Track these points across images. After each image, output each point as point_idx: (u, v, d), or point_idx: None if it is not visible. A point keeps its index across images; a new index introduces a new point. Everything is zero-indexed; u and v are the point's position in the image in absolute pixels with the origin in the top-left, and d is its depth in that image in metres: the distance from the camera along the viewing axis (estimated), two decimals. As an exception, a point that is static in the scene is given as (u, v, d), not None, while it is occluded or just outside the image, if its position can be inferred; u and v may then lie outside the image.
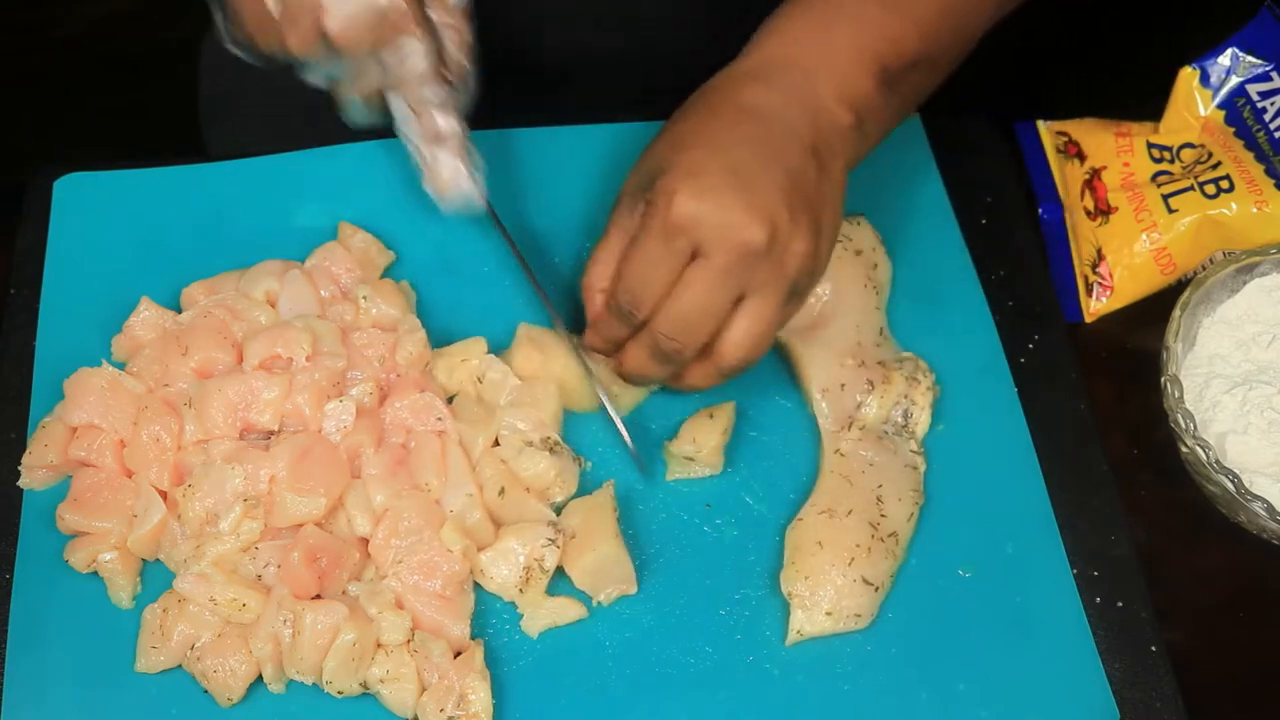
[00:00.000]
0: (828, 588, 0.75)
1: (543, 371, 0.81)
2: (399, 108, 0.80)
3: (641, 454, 0.80)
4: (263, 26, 0.76)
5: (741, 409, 0.83)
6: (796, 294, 0.75)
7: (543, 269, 0.86)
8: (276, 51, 0.78)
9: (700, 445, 0.80)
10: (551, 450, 0.78)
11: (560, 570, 0.76)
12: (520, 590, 0.75)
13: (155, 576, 0.76)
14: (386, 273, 0.87)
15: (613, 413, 0.80)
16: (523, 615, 0.75)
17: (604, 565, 0.75)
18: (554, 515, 0.77)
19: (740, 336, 0.74)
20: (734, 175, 0.72)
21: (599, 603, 0.76)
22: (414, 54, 0.77)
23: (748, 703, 0.73)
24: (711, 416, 0.81)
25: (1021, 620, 0.76)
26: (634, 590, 0.76)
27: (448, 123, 0.80)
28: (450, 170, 0.81)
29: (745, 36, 0.80)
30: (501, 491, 0.76)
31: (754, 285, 0.73)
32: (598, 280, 0.79)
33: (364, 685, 0.72)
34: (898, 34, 0.78)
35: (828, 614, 0.75)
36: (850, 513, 0.77)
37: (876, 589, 0.76)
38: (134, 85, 0.85)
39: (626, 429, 0.79)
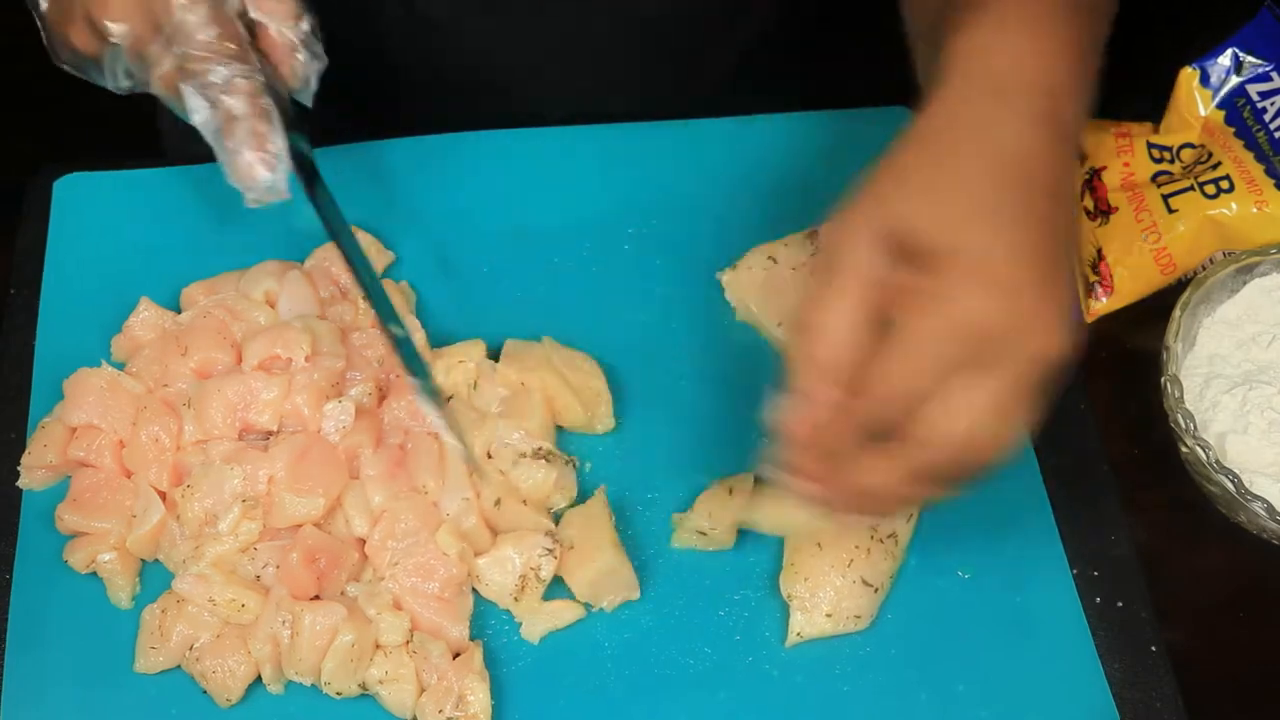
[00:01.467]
0: (827, 589, 0.75)
1: (521, 388, 0.80)
2: (190, 97, 0.73)
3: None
4: (53, 33, 0.75)
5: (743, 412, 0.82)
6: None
7: (544, 270, 0.86)
8: (73, 58, 0.75)
9: (716, 522, 0.77)
10: (547, 459, 0.77)
11: (560, 578, 0.76)
12: (515, 599, 0.75)
13: (154, 577, 0.76)
14: (386, 273, 0.87)
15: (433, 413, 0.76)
16: (521, 623, 0.75)
17: (605, 575, 0.75)
18: (552, 525, 0.77)
19: (1010, 440, 0.61)
20: (1036, 269, 0.60)
21: (602, 609, 0.76)
22: (190, 26, 0.71)
23: (747, 704, 0.73)
24: (730, 492, 0.77)
25: (1021, 621, 0.76)
26: (637, 596, 0.76)
27: (235, 104, 0.72)
28: (246, 158, 0.73)
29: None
30: (498, 502, 0.76)
31: (1035, 392, 0.61)
32: (827, 352, 0.61)
33: (363, 686, 0.72)
34: (1091, 28, 0.68)
35: (827, 615, 0.75)
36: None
37: (876, 590, 0.76)
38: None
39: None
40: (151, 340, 0.82)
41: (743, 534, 0.78)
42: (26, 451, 0.79)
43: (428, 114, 0.85)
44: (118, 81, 0.76)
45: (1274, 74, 0.90)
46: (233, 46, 0.73)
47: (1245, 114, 0.90)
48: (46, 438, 0.78)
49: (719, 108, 0.96)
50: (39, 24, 0.77)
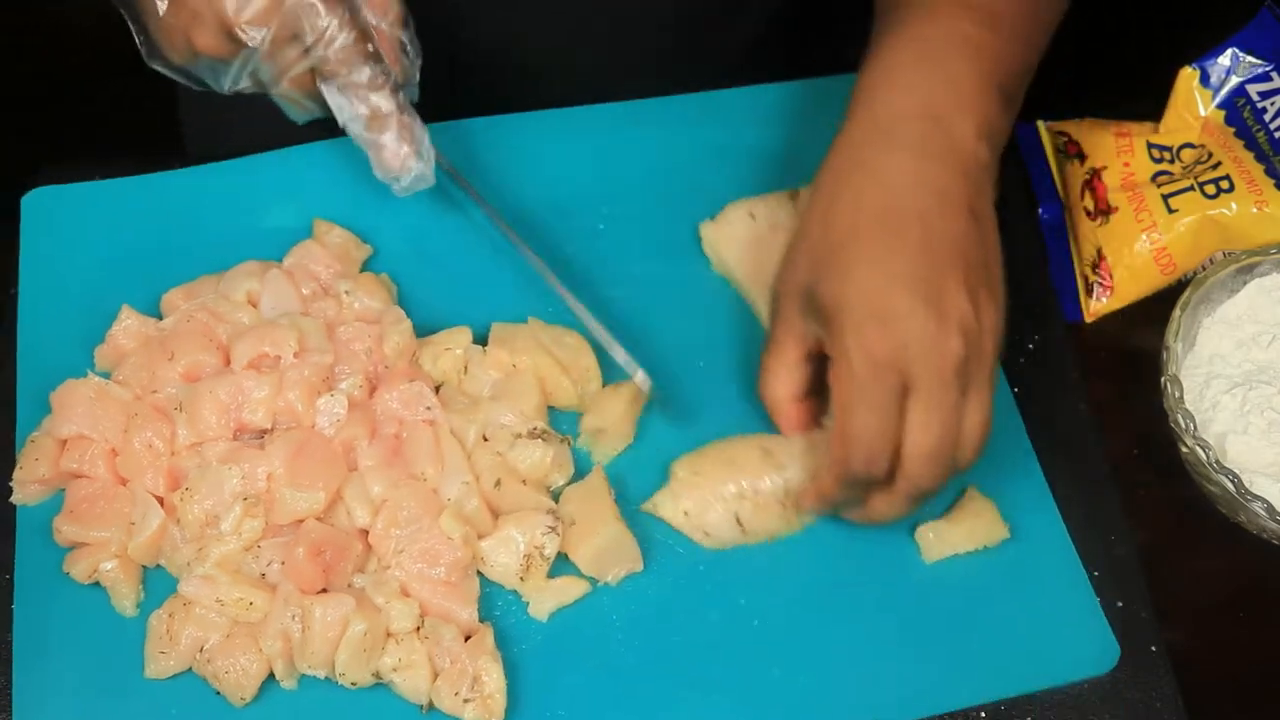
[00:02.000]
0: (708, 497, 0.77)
1: (513, 370, 0.80)
2: (332, 96, 0.78)
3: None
4: (170, 36, 0.75)
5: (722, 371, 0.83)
6: (997, 360, 0.72)
7: (546, 252, 0.86)
8: (190, 59, 0.76)
9: (607, 415, 0.79)
10: (542, 439, 0.78)
11: (564, 555, 0.76)
12: (521, 578, 0.75)
13: (157, 582, 0.75)
14: (365, 266, 0.86)
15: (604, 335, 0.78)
16: (529, 602, 0.75)
17: (608, 548, 0.75)
18: (553, 503, 0.77)
19: (975, 437, 0.71)
20: (917, 292, 0.69)
21: (608, 583, 0.76)
22: (332, 33, 0.75)
23: (752, 672, 0.74)
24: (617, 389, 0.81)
25: (1025, 578, 0.77)
26: (640, 568, 0.76)
27: (382, 101, 0.78)
28: (393, 152, 0.79)
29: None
30: (498, 484, 0.76)
31: (967, 384, 0.70)
32: (785, 393, 0.76)
33: (376, 675, 0.72)
34: (1005, 51, 0.75)
35: (685, 513, 0.77)
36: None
37: (744, 532, 0.77)
38: (134, 85, 0.84)
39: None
40: (136, 348, 0.81)
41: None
42: (18, 467, 0.78)
43: (443, 99, 0.86)
44: (236, 84, 0.78)
45: (1274, 74, 0.90)
46: (370, 49, 0.77)
47: (1245, 114, 0.90)
48: (37, 451, 0.78)
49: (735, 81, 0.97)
50: (134, 25, 0.78)
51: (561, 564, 0.76)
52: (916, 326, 0.69)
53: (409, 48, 0.79)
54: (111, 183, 0.90)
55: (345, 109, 0.78)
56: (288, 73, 0.77)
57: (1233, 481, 0.78)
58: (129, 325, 0.82)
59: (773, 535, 0.78)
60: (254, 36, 0.75)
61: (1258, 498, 0.77)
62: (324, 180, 0.90)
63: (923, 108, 0.73)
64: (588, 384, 0.81)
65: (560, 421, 0.81)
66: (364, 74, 0.77)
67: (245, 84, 0.78)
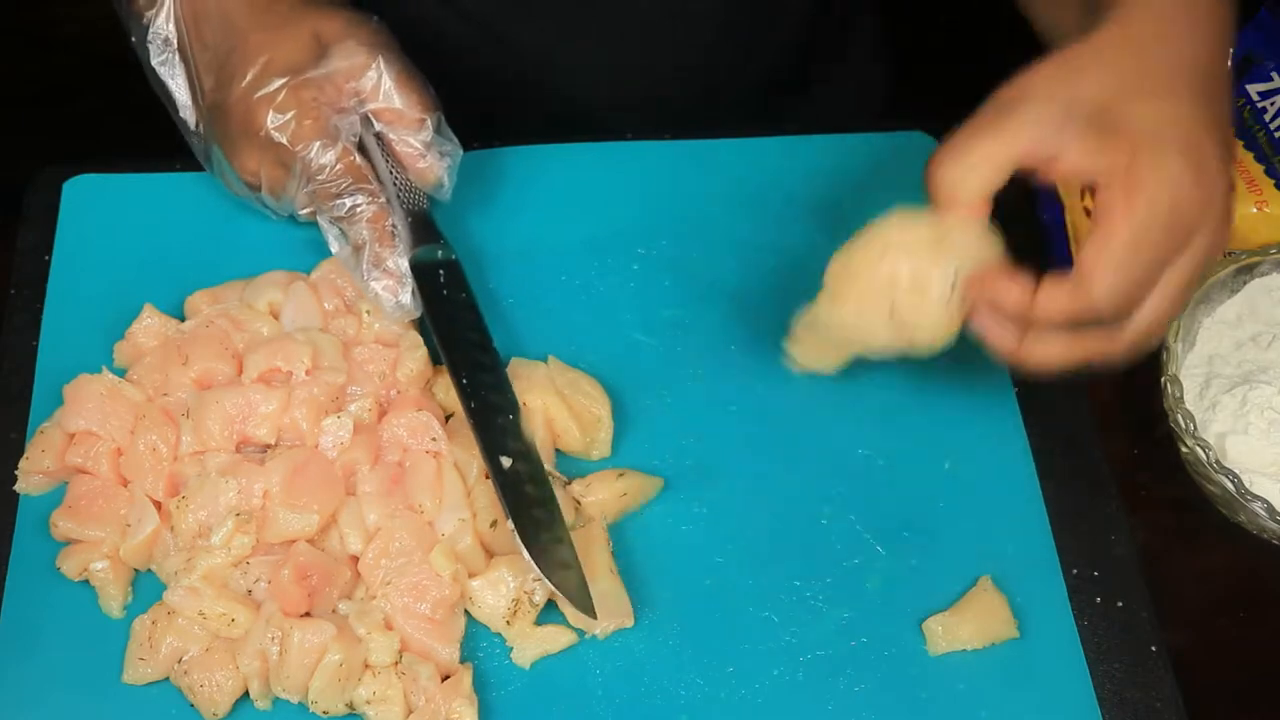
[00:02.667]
0: None
1: (522, 408, 0.79)
2: (326, 229, 0.81)
3: None
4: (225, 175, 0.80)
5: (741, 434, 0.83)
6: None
7: (550, 288, 0.86)
8: (244, 193, 0.81)
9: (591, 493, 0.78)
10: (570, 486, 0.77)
11: (554, 603, 0.75)
12: (507, 622, 0.74)
13: (147, 587, 0.76)
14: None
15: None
16: (512, 648, 0.74)
17: (599, 601, 0.74)
18: None
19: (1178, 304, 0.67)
20: (1223, 158, 0.65)
21: (595, 635, 0.75)
22: (312, 162, 0.77)
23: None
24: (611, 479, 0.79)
25: (1018, 621, 0.76)
26: (631, 623, 0.75)
27: (359, 231, 0.79)
28: (384, 285, 0.80)
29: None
30: (493, 524, 0.76)
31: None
32: (977, 186, 0.65)
33: (350, 706, 0.72)
34: None
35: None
36: None
37: None
38: (134, 85, 0.85)
39: None
40: (153, 348, 0.81)
41: (740, 564, 0.78)
42: (24, 456, 0.79)
43: (475, 119, 0.86)
44: (286, 214, 0.82)
45: (1274, 74, 0.90)
46: (348, 177, 0.78)
47: (1245, 114, 0.90)
48: (44, 443, 0.78)
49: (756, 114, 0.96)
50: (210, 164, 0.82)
51: (550, 611, 0.76)
52: (1221, 191, 0.65)
53: (431, 151, 0.80)
54: (153, 177, 0.91)
55: (335, 240, 0.81)
56: (297, 207, 0.80)
57: (1233, 481, 0.78)
58: (149, 324, 0.82)
59: (932, 338, 0.70)
60: (251, 183, 0.80)
61: (1258, 498, 0.78)
62: None
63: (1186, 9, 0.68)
64: (597, 433, 0.80)
65: (568, 465, 0.80)
66: (342, 205, 0.79)
67: (300, 214, 0.82)
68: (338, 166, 0.78)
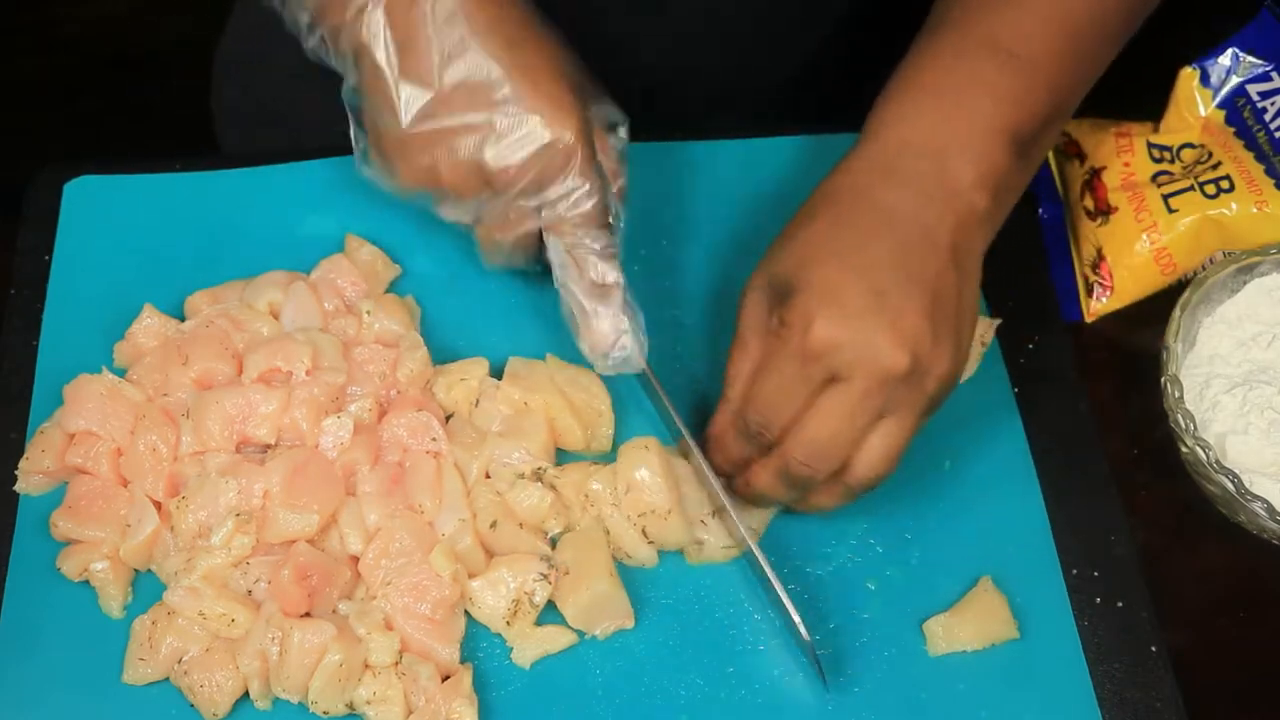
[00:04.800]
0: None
1: (524, 408, 0.79)
2: (556, 253, 0.75)
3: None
4: (412, 161, 0.74)
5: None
6: (932, 409, 0.72)
7: (552, 288, 0.85)
8: (424, 185, 0.75)
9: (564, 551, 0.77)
10: (542, 481, 0.77)
11: (554, 603, 0.75)
12: (507, 623, 0.74)
13: (147, 587, 0.76)
14: (392, 287, 0.86)
15: (777, 585, 0.74)
16: (512, 648, 0.74)
17: (598, 604, 0.74)
18: (548, 550, 0.76)
19: (875, 457, 0.71)
20: (875, 297, 0.69)
21: (595, 636, 0.75)
22: (580, 192, 0.73)
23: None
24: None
25: (1018, 622, 0.76)
26: (631, 624, 0.75)
27: (611, 272, 0.75)
28: (611, 327, 0.76)
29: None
30: (494, 524, 0.76)
31: (891, 407, 0.70)
32: (736, 391, 0.74)
33: (350, 706, 0.72)
34: (1028, 96, 0.73)
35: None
36: None
37: (652, 544, 0.76)
38: (134, 85, 0.85)
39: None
40: (153, 348, 0.81)
41: (739, 572, 0.78)
42: (24, 456, 0.79)
43: None
44: (454, 217, 0.77)
45: (1274, 74, 0.90)
46: (610, 219, 0.75)
47: (1245, 114, 0.90)
48: (44, 443, 0.78)
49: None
50: (357, 130, 0.76)
51: (550, 612, 0.76)
52: (864, 329, 0.68)
53: (616, 221, 0.77)
54: (153, 177, 0.90)
55: (568, 270, 0.75)
56: (519, 223, 0.75)
57: (1233, 481, 0.78)
58: (149, 324, 0.82)
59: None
60: (507, 187, 0.73)
61: (1258, 498, 0.77)
62: (364, 194, 0.89)
63: (926, 147, 0.72)
64: (599, 428, 0.80)
65: (567, 463, 0.80)
66: (599, 241, 0.75)
67: (466, 219, 0.77)
68: (598, 202, 0.74)
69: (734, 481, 0.77)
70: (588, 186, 0.74)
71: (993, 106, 0.73)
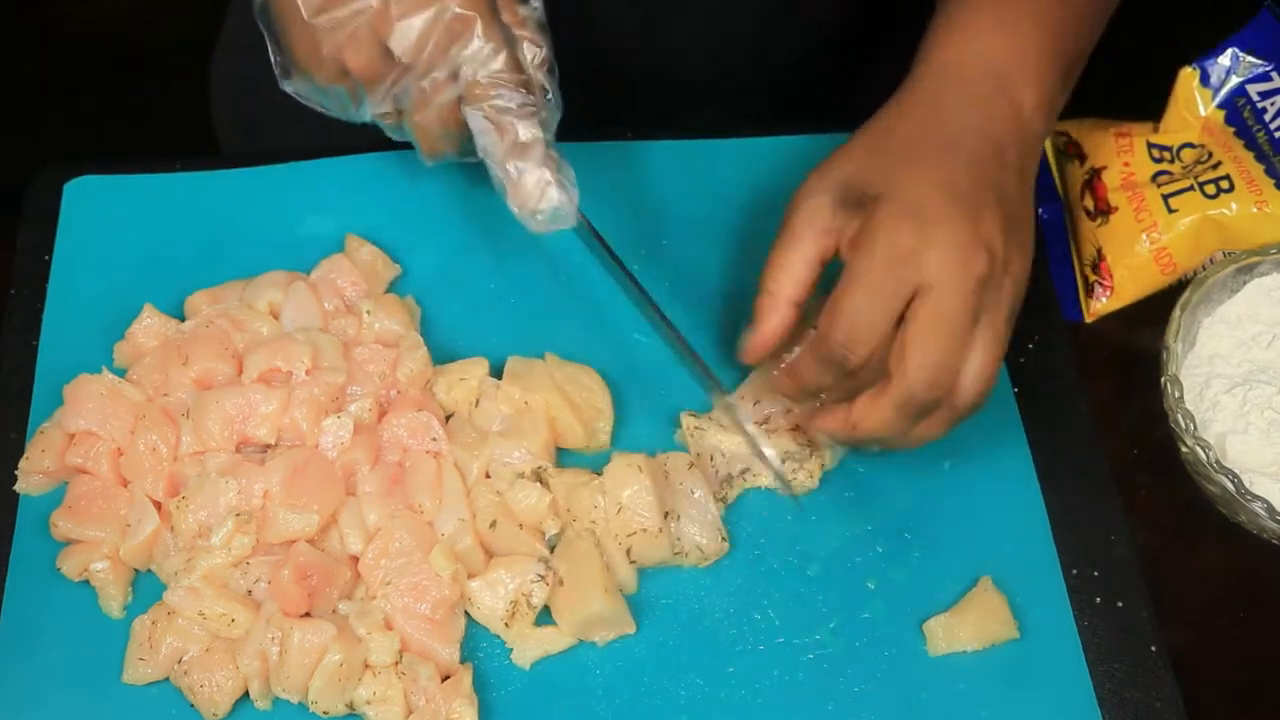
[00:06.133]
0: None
1: (524, 407, 0.79)
2: (476, 121, 0.75)
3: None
4: (319, 56, 0.74)
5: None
6: (1013, 315, 0.72)
7: (551, 288, 0.85)
8: (337, 80, 0.75)
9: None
10: (542, 481, 0.77)
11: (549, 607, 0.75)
12: (506, 624, 0.74)
13: (147, 587, 0.76)
14: (392, 287, 0.86)
15: (774, 462, 0.76)
16: (511, 649, 0.74)
17: (595, 620, 0.74)
18: (546, 551, 0.76)
19: (978, 369, 0.71)
20: (957, 204, 0.70)
21: (595, 643, 0.75)
22: (486, 55, 0.73)
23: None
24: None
25: (1018, 622, 0.76)
26: (632, 630, 0.75)
27: (528, 130, 0.74)
28: (535, 180, 0.74)
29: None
30: (493, 524, 0.76)
31: (982, 315, 0.70)
32: (787, 288, 0.74)
33: (350, 706, 0.72)
34: (1072, 28, 0.77)
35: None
36: None
37: (633, 563, 0.76)
38: (134, 85, 0.85)
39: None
40: (153, 348, 0.81)
41: (738, 572, 0.78)
42: (24, 456, 0.79)
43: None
44: (377, 109, 0.76)
45: (1274, 74, 0.90)
46: (522, 76, 0.74)
47: (1245, 114, 0.90)
48: (44, 443, 0.78)
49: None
50: (273, 44, 0.76)
51: (549, 613, 0.75)
52: (946, 232, 0.69)
53: (551, 96, 0.76)
54: (153, 177, 0.91)
55: (488, 135, 0.75)
56: (435, 97, 0.75)
57: (1233, 481, 0.78)
58: (149, 324, 0.82)
59: None
60: (414, 60, 0.73)
61: (1258, 498, 0.77)
62: (364, 194, 0.90)
63: (991, 68, 0.75)
64: (599, 424, 0.81)
65: (569, 461, 0.80)
66: (514, 100, 0.74)
67: (386, 108, 0.77)
68: (506, 59, 0.74)
69: (822, 425, 0.75)
70: (492, 45, 0.73)
71: (1045, 33, 0.76)
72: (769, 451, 0.78)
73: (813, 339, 0.73)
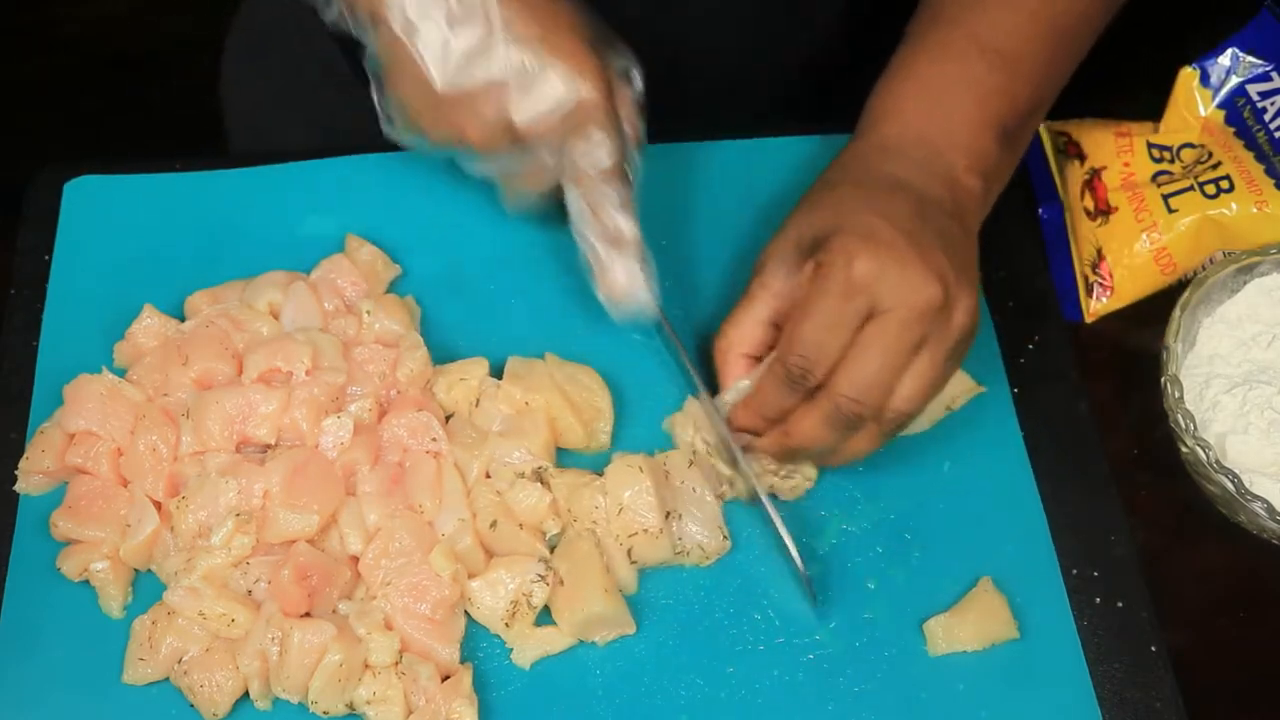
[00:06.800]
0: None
1: (525, 407, 0.80)
2: (575, 203, 0.77)
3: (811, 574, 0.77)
4: (439, 122, 0.75)
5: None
6: (959, 350, 0.74)
7: (551, 288, 0.84)
8: (451, 145, 0.76)
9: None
10: (543, 481, 0.77)
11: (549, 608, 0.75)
12: (506, 624, 0.74)
13: (148, 587, 0.76)
14: (392, 287, 0.86)
15: (777, 520, 0.76)
16: (511, 649, 0.74)
17: (595, 622, 0.74)
18: (546, 552, 0.76)
19: (910, 391, 0.72)
20: (906, 235, 0.72)
21: (595, 643, 0.75)
22: (601, 148, 0.75)
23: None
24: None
25: (1018, 622, 0.76)
26: (633, 630, 0.75)
27: (627, 224, 0.77)
28: (626, 275, 0.78)
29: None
30: (493, 524, 0.76)
31: (925, 341, 0.72)
32: (740, 343, 0.77)
33: (350, 706, 0.72)
34: (1011, 91, 0.78)
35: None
36: None
37: (634, 564, 0.76)
38: (134, 85, 0.85)
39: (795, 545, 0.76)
40: (153, 348, 0.81)
41: (738, 572, 0.78)
42: (24, 456, 0.79)
43: None
44: (472, 168, 0.79)
45: (1274, 74, 0.90)
46: (628, 172, 0.77)
47: (1245, 114, 0.90)
48: (45, 443, 0.78)
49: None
50: (380, 95, 0.77)
51: (549, 613, 0.75)
52: (901, 263, 0.71)
53: (634, 173, 0.78)
54: (154, 177, 0.91)
55: (586, 220, 0.77)
56: (542, 176, 0.77)
57: (1233, 481, 0.78)
58: (149, 324, 0.82)
59: None
60: (534, 143, 0.75)
61: (1258, 498, 0.77)
62: (364, 194, 0.90)
63: (920, 138, 0.77)
64: (599, 424, 0.81)
65: (569, 462, 0.80)
66: (617, 193, 0.77)
67: (491, 172, 0.79)
68: (618, 157, 0.76)
69: (758, 442, 0.77)
70: (609, 143, 0.75)
71: (979, 102, 0.78)
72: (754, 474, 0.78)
73: (771, 365, 0.75)
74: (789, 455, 0.78)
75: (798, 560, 0.75)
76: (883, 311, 0.71)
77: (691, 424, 0.80)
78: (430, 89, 0.74)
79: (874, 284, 0.71)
